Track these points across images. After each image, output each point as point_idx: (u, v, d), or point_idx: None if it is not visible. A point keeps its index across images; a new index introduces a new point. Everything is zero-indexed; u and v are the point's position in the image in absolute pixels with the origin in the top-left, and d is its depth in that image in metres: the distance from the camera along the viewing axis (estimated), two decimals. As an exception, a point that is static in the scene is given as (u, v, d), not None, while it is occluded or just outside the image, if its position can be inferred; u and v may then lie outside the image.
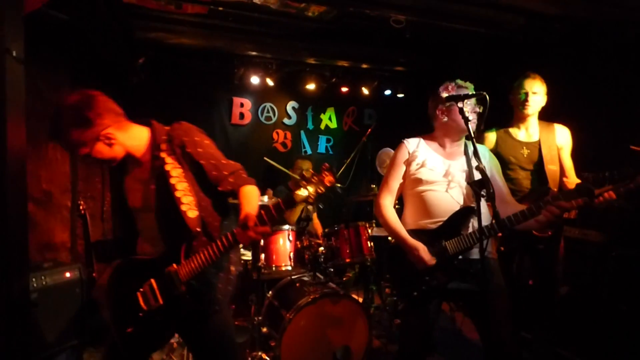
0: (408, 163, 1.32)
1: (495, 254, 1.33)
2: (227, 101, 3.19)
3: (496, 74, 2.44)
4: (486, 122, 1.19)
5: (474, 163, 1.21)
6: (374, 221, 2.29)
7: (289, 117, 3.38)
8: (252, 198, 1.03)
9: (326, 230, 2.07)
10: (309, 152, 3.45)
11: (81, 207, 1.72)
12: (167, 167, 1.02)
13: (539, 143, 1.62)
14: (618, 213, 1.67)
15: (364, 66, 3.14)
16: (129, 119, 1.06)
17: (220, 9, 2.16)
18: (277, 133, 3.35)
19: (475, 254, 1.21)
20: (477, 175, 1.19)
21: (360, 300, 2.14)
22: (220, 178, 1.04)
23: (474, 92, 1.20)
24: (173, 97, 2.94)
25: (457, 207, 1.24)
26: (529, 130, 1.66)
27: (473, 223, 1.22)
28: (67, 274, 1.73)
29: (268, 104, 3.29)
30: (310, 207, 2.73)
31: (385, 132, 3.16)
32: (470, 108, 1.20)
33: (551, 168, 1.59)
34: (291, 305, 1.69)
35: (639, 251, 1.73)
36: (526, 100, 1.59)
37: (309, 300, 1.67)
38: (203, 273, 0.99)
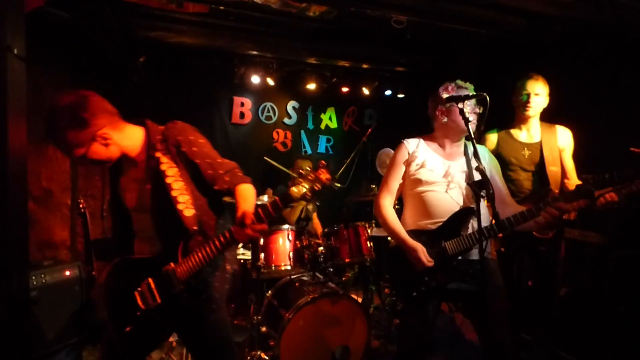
0: (408, 163, 1.32)
1: (494, 255, 1.33)
2: (227, 100, 3.19)
3: (497, 75, 2.44)
4: (487, 123, 1.19)
5: (474, 164, 1.22)
6: (373, 221, 2.29)
7: (289, 117, 3.38)
8: (249, 196, 1.03)
9: (326, 230, 2.07)
10: (309, 152, 3.45)
11: (81, 205, 1.72)
12: (163, 167, 1.02)
13: (540, 144, 1.62)
14: (618, 214, 1.67)
15: (365, 66, 3.15)
16: (123, 119, 1.06)
17: (222, 8, 2.16)
18: (278, 133, 3.36)
19: (474, 254, 1.21)
20: (477, 176, 1.20)
21: (360, 300, 2.14)
22: (216, 177, 1.04)
23: (474, 93, 1.20)
24: (173, 96, 2.94)
25: (457, 208, 1.24)
26: (530, 132, 1.65)
27: (473, 224, 1.22)
28: (67, 272, 1.73)
29: (268, 104, 3.29)
30: (310, 207, 2.73)
31: (385, 132, 3.16)
32: (470, 109, 1.21)
33: (552, 169, 1.59)
34: (290, 305, 1.69)
35: (638, 252, 1.73)
36: (528, 101, 1.59)
37: (308, 300, 1.67)
38: (200, 272, 0.99)
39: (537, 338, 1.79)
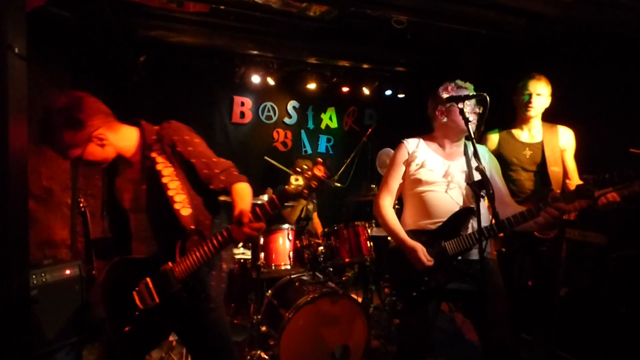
0: (407, 163, 1.32)
1: (494, 255, 1.33)
2: (227, 100, 3.19)
3: (497, 75, 2.44)
4: (487, 123, 1.19)
5: (474, 164, 1.22)
6: (373, 221, 2.29)
7: (290, 117, 3.38)
8: (245, 195, 1.03)
9: (326, 229, 2.07)
10: (310, 151, 3.45)
11: (81, 205, 1.72)
12: (159, 167, 1.02)
13: (541, 144, 1.61)
14: (618, 214, 1.67)
15: (365, 66, 3.14)
16: (118, 120, 1.06)
17: (222, 7, 2.16)
18: (278, 132, 3.36)
19: (474, 254, 1.21)
20: (477, 176, 1.19)
21: (360, 300, 2.14)
22: (212, 176, 1.04)
23: (474, 93, 1.20)
24: (174, 96, 2.94)
25: (457, 208, 1.24)
26: (532, 132, 1.65)
27: (472, 224, 1.22)
28: (67, 271, 1.73)
29: (269, 103, 3.30)
30: (310, 207, 2.73)
31: (385, 132, 3.17)
32: (470, 109, 1.21)
33: (554, 170, 1.58)
34: (290, 305, 1.69)
35: (638, 252, 1.73)
36: (529, 101, 1.58)
37: (308, 300, 1.67)
38: (197, 271, 1.00)
39: (537, 338, 1.79)
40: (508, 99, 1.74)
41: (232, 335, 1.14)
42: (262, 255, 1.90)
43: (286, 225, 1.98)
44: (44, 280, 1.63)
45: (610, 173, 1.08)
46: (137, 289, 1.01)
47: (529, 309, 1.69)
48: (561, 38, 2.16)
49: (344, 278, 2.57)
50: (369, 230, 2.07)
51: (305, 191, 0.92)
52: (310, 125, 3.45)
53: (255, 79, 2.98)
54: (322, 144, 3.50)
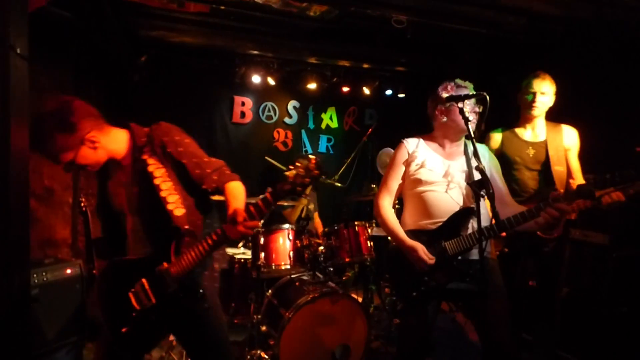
0: (407, 163, 1.32)
1: (494, 254, 1.33)
2: (228, 100, 3.20)
3: (497, 74, 2.44)
4: (488, 123, 1.18)
5: (474, 163, 1.21)
6: (373, 221, 2.29)
7: (290, 117, 3.38)
8: (238, 193, 1.03)
9: (326, 229, 2.07)
10: (310, 151, 3.45)
11: (82, 204, 1.73)
12: (150, 169, 1.02)
13: (545, 143, 1.60)
14: (619, 214, 1.66)
15: (365, 66, 3.15)
16: (107, 122, 1.07)
17: (222, 7, 2.16)
18: (278, 132, 3.36)
19: (474, 254, 1.21)
20: (477, 176, 1.19)
21: (360, 299, 2.14)
22: (204, 176, 1.04)
23: (474, 92, 1.20)
24: (174, 96, 2.95)
25: (457, 208, 1.24)
26: (535, 130, 1.64)
27: (472, 224, 1.22)
28: (68, 270, 1.74)
29: (269, 103, 3.30)
30: (311, 207, 2.74)
31: (386, 132, 3.16)
32: (470, 108, 1.20)
33: (558, 169, 1.57)
34: (290, 304, 1.69)
35: (639, 252, 1.73)
36: (533, 101, 1.57)
37: (308, 299, 1.68)
38: (191, 272, 1.00)
39: (537, 338, 1.78)
40: (508, 98, 1.73)
41: (233, 334, 1.14)
42: (262, 255, 1.90)
43: (286, 225, 1.98)
44: (44, 279, 1.63)
45: (611, 173, 1.07)
46: (133, 290, 1.01)
47: (530, 309, 1.69)
48: (561, 37, 2.15)
49: (344, 278, 2.57)
50: (369, 230, 2.07)
51: (299, 188, 0.92)
52: (311, 125, 3.45)
53: (256, 78, 2.99)
54: (323, 143, 3.50)
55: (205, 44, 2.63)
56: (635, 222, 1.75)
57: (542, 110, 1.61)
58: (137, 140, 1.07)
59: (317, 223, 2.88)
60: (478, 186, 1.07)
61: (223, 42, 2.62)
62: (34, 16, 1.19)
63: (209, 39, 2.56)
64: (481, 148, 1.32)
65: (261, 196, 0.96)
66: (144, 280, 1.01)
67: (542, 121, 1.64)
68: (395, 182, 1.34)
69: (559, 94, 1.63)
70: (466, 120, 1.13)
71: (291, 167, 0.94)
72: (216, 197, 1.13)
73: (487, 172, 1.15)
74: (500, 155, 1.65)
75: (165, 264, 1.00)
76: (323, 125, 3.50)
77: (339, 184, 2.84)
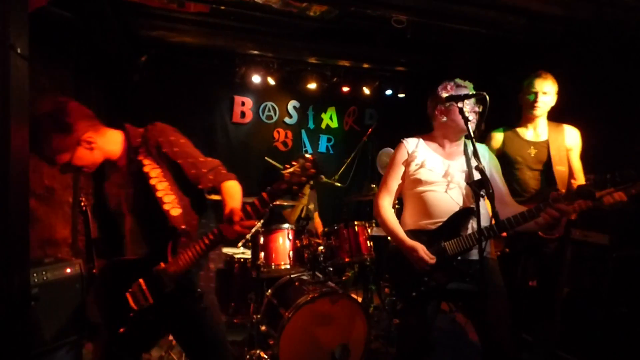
0: (407, 163, 1.32)
1: (494, 254, 1.32)
2: (228, 100, 3.20)
3: (497, 74, 2.44)
4: (487, 123, 1.18)
5: (474, 163, 1.21)
6: (373, 221, 2.29)
7: (290, 116, 3.39)
8: (235, 193, 1.03)
9: (326, 229, 2.07)
10: (310, 151, 3.45)
11: (83, 204, 1.73)
12: (146, 169, 1.02)
13: (547, 143, 1.60)
14: (620, 214, 1.66)
15: (365, 66, 3.15)
16: (102, 124, 1.07)
17: (222, 7, 2.17)
18: (278, 132, 3.36)
19: (474, 254, 1.21)
20: (477, 176, 1.19)
21: (359, 299, 2.14)
22: (199, 176, 1.04)
23: (474, 92, 1.20)
24: (174, 96, 2.95)
25: (457, 208, 1.24)
26: (537, 130, 1.63)
27: (472, 224, 1.22)
28: (68, 270, 1.74)
29: (269, 103, 3.30)
30: (311, 207, 2.74)
31: (386, 132, 3.16)
32: (469, 108, 1.20)
33: (559, 169, 1.57)
34: (290, 304, 1.69)
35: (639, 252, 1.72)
36: (535, 101, 1.56)
37: (307, 299, 1.68)
38: (187, 272, 1.00)
39: (537, 338, 1.78)
40: (508, 98, 1.73)
41: (232, 334, 1.14)
42: (262, 254, 1.90)
43: (286, 225, 1.98)
44: (44, 278, 1.63)
45: (611, 173, 1.07)
46: (130, 290, 1.02)
47: (530, 309, 1.68)
48: (561, 37, 2.15)
49: (343, 278, 2.57)
50: (369, 230, 2.07)
51: (295, 187, 0.91)
52: (311, 125, 3.46)
53: (256, 78, 2.99)
54: (323, 143, 3.50)
55: (205, 44, 2.64)
56: (636, 223, 1.75)
57: (544, 110, 1.60)
58: (132, 141, 1.07)
59: (317, 223, 2.88)
60: (478, 186, 1.07)
61: (223, 42, 2.62)
62: (34, 16, 1.19)
63: (209, 39, 2.56)
64: (481, 148, 1.32)
65: (258, 196, 0.96)
66: (141, 280, 1.01)
67: (544, 121, 1.64)
68: (395, 182, 1.34)
69: (559, 94, 1.63)
70: (466, 120, 1.13)
71: (287, 166, 0.94)
72: (213, 197, 1.12)
73: (487, 172, 1.15)
74: (502, 154, 1.64)
75: (162, 264, 1.00)
76: (323, 125, 3.50)
77: (339, 184, 2.84)
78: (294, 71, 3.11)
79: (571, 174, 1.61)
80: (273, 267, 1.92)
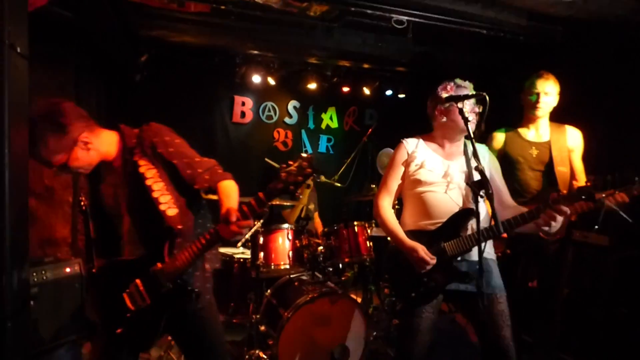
0: (407, 164, 1.32)
1: (494, 255, 1.32)
2: (228, 99, 3.20)
3: (497, 74, 2.44)
4: (489, 123, 1.18)
5: (474, 164, 1.21)
6: (373, 221, 2.29)
7: (290, 116, 3.39)
8: (231, 192, 1.03)
9: (325, 229, 2.07)
10: (310, 151, 3.46)
11: (82, 203, 1.73)
12: (141, 170, 1.02)
13: (549, 144, 1.59)
14: (619, 215, 1.66)
15: (366, 66, 3.15)
16: (97, 124, 1.07)
17: (223, 7, 2.17)
18: (278, 132, 3.36)
19: (474, 255, 1.21)
20: (477, 176, 1.19)
21: (359, 300, 2.13)
22: (195, 176, 1.04)
23: (474, 92, 1.20)
24: (175, 95, 2.95)
25: (456, 209, 1.24)
26: (539, 131, 1.63)
27: (472, 225, 1.22)
28: (67, 269, 1.74)
29: (269, 103, 3.30)
30: (312, 207, 2.74)
31: (386, 132, 3.16)
32: (469, 108, 1.20)
33: (561, 170, 1.56)
34: (289, 304, 1.69)
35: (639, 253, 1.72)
36: (537, 101, 1.56)
37: (307, 299, 1.68)
38: (183, 272, 1.00)
39: (538, 340, 1.78)
40: (508, 98, 1.73)
41: (231, 334, 1.14)
42: (261, 254, 1.90)
43: (286, 225, 1.98)
44: (44, 277, 1.63)
45: (612, 175, 1.07)
46: (127, 290, 1.02)
47: (530, 310, 1.68)
48: (562, 38, 2.15)
49: (343, 278, 2.57)
50: (369, 231, 2.06)
51: (291, 187, 0.91)
52: (311, 125, 3.46)
53: (256, 78, 2.99)
54: (323, 143, 3.50)
55: (205, 43, 2.63)
56: (636, 223, 1.74)
57: (546, 111, 1.60)
58: (127, 142, 1.07)
59: (317, 223, 2.88)
60: (477, 187, 1.07)
61: (223, 41, 2.62)
62: (34, 15, 1.19)
63: (209, 39, 2.56)
64: (481, 148, 1.32)
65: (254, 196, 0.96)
66: (138, 280, 1.01)
67: (545, 121, 1.63)
68: (394, 182, 1.34)
69: (559, 94, 1.63)
70: (465, 120, 1.13)
71: (283, 165, 0.93)
72: (210, 196, 1.12)
73: (487, 173, 1.15)
74: (503, 155, 1.64)
75: (159, 265, 1.00)
76: (323, 125, 3.50)
77: (339, 184, 2.84)
78: (294, 71, 3.11)
79: (573, 175, 1.61)
80: (272, 267, 1.92)
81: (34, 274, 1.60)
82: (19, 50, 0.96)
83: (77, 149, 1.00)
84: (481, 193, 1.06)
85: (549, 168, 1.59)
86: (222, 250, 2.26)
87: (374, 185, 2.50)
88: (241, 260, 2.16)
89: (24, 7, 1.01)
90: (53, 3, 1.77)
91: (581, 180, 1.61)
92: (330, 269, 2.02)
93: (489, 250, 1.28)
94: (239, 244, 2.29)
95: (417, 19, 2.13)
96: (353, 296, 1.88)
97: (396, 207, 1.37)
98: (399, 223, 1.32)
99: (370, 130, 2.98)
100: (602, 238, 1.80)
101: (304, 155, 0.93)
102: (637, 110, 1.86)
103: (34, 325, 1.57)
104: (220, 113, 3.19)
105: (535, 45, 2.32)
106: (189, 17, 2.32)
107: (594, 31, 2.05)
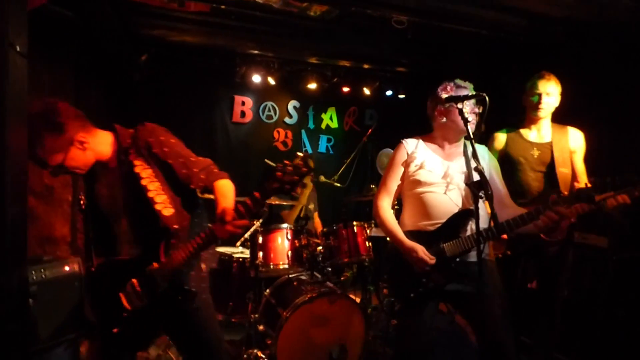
0: (406, 164, 1.32)
1: (493, 256, 1.32)
2: (228, 99, 3.20)
3: (498, 75, 2.43)
4: (489, 124, 1.18)
5: (473, 164, 1.21)
6: (372, 221, 2.29)
7: (290, 116, 3.39)
8: (227, 192, 1.03)
9: (325, 229, 2.07)
10: (310, 151, 3.45)
11: (82, 202, 1.73)
12: (137, 170, 1.02)
13: (551, 145, 1.59)
14: (619, 216, 1.65)
15: (366, 66, 3.15)
16: (92, 124, 1.07)
17: (223, 7, 2.17)
18: (278, 132, 3.36)
19: (473, 256, 1.21)
20: (476, 177, 1.19)
21: (358, 300, 2.13)
22: (191, 175, 1.04)
23: (474, 93, 1.20)
24: (175, 95, 2.96)
25: (456, 209, 1.24)
26: (540, 132, 1.62)
27: (471, 225, 1.22)
28: (67, 268, 1.74)
29: (269, 103, 3.30)
30: (311, 207, 2.73)
31: (386, 132, 3.17)
32: (469, 109, 1.20)
33: (562, 171, 1.56)
34: (288, 304, 1.69)
35: (639, 255, 1.72)
36: (539, 102, 1.55)
37: (306, 299, 1.67)
38: (179, 272, 1.00)
39: (537, 341, 1.78)
40: (508, 99, 1.73)
41: (230, 333, 1.14)
42: (260, 254, 1.90)
43: (285, 225, 1.98)
44: (43, 276, 1.63)
45: (612, 177, 1.07)
46: (123, 290, 1.02)
47: (529, 311, 1.68)
48: (562, 38, 2.15)
49: (342, 278, 2.57)
50: (368, 231, 2.06)
51: (287, 186, 0.91)
52: (311, 125, 3.46)
53: (256, 78, 2.99)
54: (323, 143, 3.50)
55: (205, 43, 2.64)
56: (635, 225, 1.74)
57: (548, 112, 1.59)
58: (122, 142, 1.07)
59: (317, 223, 2.88)
60: (477, 187, 1.07)
61: (223, 41, 2.62)
62: (34, 14, 1.19)
63: (209, 39, 2.56)
64: (481, 149, 1.32)
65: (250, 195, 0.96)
66: (134, 280, 1.01)
67: (547, 122, 1.63)
68: (394, 182, 1.33)
69: (560, 94, 1.63)
70: (465, 121, 1.12)
71: (279, 165, 0.93)
72: (206, 196, 1.12)
73: (487, 174, 1.15)
74: (504, 155, 1.63)
75: (155, 264, 1.00)
76: (323, 125, 3.50)
77: (339, 184, 2.83)
78: (294, 71, 3.11)
79: (574, 177, 1.60)
80: (271, 266, 1.92)
81: (33, 272, 1.59)
82: (18, 49, 0.96)
83: (73, 148, 1.00)
84: (481, 194, 1.06)
85: (550, 169, 1.58)
86: (221, 249, 2.26)
87: (373, 186, 2.50)
88: (240, 259, 2.16)
89: (24, 6, 1.01)
90: (53, 2, 1.77)
91: (582, 181, 1.60)
92: (329, 269, 2.02)
93: (488, 251, 1.28)
94: (238, 243, 2.29)
95: (417, 19, 2.13)
96: (352, 296, 1.88)
97: (395, 207, 1.37)
98: (399, 223, 1.32)
99: (370, 130, 2.98)
100: (601, 239, 1.79)
101: (300, 154, 0.93)
102: (638, 110, 1.86)
103: (33, 323, 1.57)
104: (220, 113, 3.19)
105: (535, 46, 2.32)
106: (189, 17, 2.33)
107: (595, 31, 2.04)
